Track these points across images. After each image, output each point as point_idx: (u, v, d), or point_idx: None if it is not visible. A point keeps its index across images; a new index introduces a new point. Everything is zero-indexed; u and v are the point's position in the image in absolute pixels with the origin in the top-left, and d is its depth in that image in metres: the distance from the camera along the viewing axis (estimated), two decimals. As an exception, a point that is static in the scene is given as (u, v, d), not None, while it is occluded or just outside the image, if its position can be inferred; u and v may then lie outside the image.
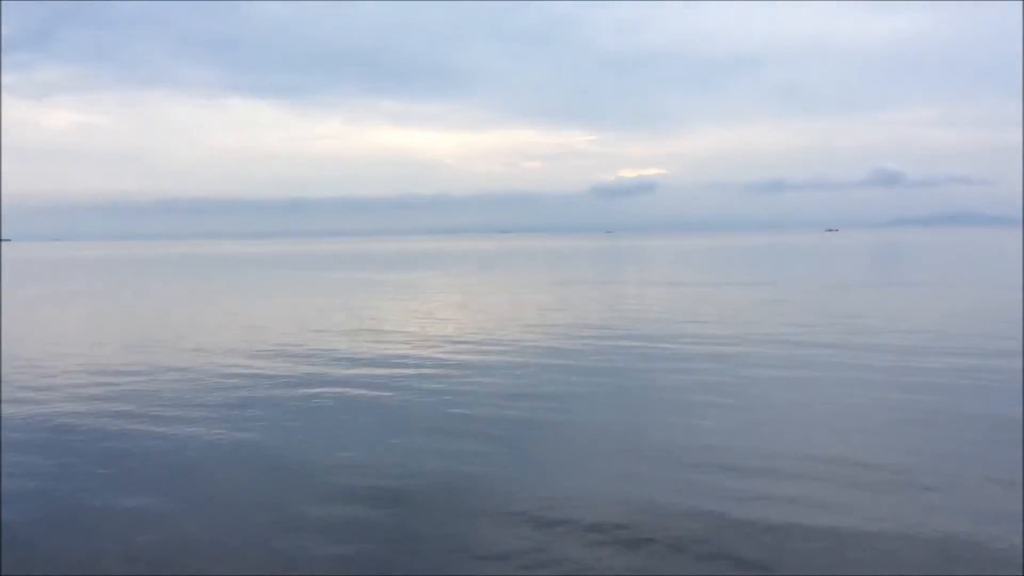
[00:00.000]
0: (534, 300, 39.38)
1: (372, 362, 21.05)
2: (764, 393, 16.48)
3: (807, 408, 15.17)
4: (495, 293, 44.94)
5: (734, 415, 14.38)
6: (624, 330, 26.63)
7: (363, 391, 17.21)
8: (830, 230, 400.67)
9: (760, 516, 9.46)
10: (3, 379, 19.19)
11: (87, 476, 11.61)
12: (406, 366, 20.34)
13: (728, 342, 23.25)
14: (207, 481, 11.42)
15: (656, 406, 15.52)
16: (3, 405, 16.23)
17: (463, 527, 9.46)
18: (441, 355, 21.93)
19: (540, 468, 11.57)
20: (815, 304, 34.54)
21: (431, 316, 32.51)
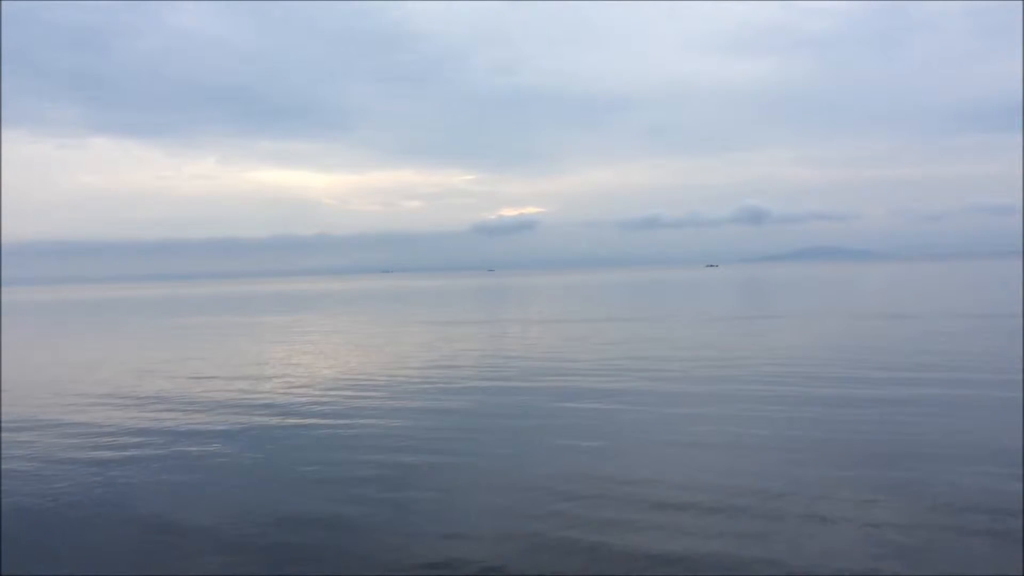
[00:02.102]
0: (409, 341, 37.48)
1: (221, 409, 19.64)
2: (635, 427, 16.45)
3: (673, 440, 15.15)
4: (365, 335, 42.57)
5: (604, 450, 14.40)
6: (498, 369, 25.78)
7: (213, 445, 15.80)
8: (711, 265, 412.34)
9: (638, 546, 9.64)
10: None
11: None
12: (248, 413, 18.59)
13: (600, 377, 23.35)
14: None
15: (529, 444, 15.17)
16: None
17: None
18: (301, 399, 21.06)
19: (415, 513, 11.21)
20: (691, 338, 33.48)
21: (287, 361, 30.22)
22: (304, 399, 20.91)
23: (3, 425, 18.46)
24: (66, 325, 62.13)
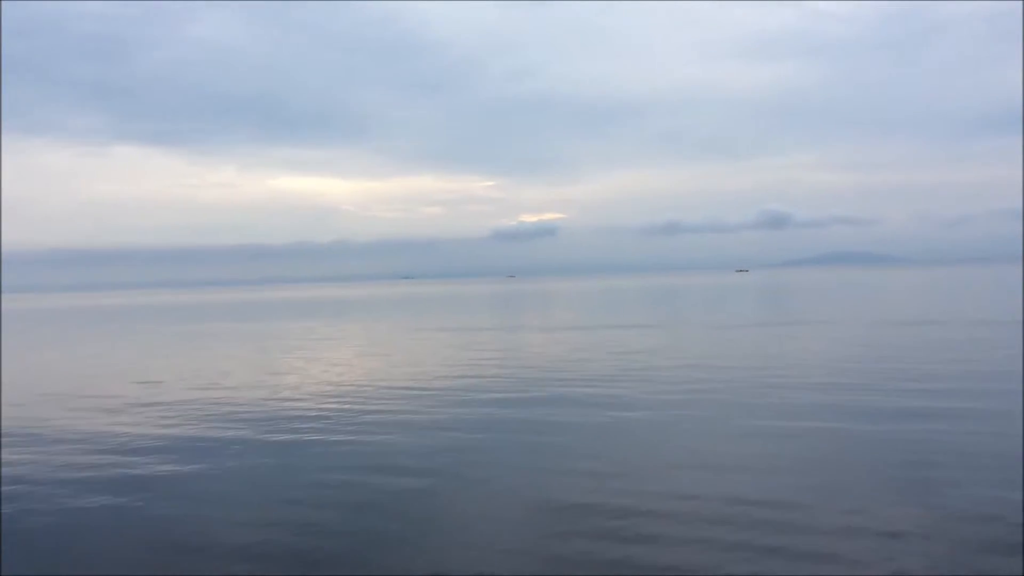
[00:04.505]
0: (427, 348, 37.03)
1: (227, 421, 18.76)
2: (660, 439, 15.02)
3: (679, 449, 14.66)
4: (385, 343, 42.31)
5: (621, 464, 13.93)
6: (514, 378, 24.96)
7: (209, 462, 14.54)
8: (740, 270, 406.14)
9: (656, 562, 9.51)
10: None
11: None
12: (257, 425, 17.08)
13: (614, 387, 22.45)
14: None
15: (544, 456, 14.83)
16: None
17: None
18: (314, 408, 20.33)
19: (428, 526, 11.05)
20: (727, 345, 32.80)
21: (307, 370, 29.67)
22: (323, 409, 20.73)
23: (21, 431, 18.39)
24: (84, 331, 62.47)
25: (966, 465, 12.85)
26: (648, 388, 22.08)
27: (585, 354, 31.51)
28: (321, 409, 20.44)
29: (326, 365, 31.06)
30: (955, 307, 54.69)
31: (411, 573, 9.30)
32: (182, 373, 29.67)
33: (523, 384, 23.79)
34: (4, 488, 13.50)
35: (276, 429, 17.96)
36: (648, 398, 20.45)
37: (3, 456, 15.99)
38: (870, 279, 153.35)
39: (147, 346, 44.90)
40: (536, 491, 12.25)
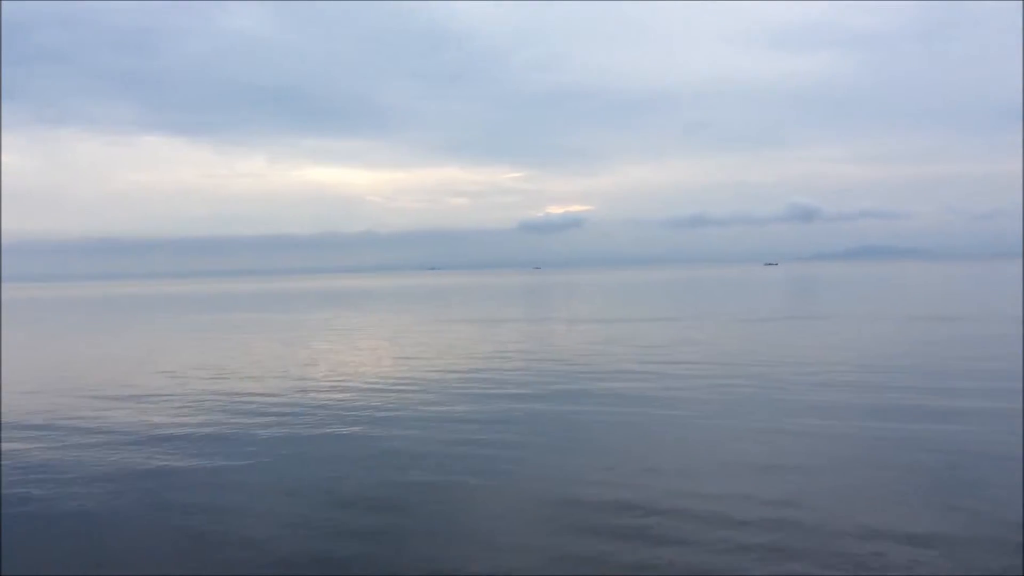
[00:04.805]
0: (454, 340, 36.98)
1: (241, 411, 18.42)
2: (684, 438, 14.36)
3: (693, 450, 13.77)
4: (414, 333, 42.30)
5: (645, 462, 13.20)
6: (537, 371, 24.53)
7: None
8: (770, 264, 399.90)
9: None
10: None
11: None
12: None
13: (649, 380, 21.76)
14: None
15: (569, 452, 14.60)
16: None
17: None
18: (347, 400, 19.61)
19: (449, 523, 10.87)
20: (763, 340, 32.43)
21: (336, 360, 29.64)
22: (346, 400, 20.76)
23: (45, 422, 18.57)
24: (110, 320, 63.12)
25: (996, 468, 12.59)
26: (672, 384, 21.88)
27: (610, 347, 31.32)
28: (345, 401, 20.46)
29: (351, 356, 31.11)
30: (987, 302, 53.82)
31: (433, 571, 9.23)
32: (207, 363, 29.85)
33: (547, 378, 23.68)
34: (29, 477, 13.60)
35: (298, 421, 17.99)
36: (672, 395, 20.25)
37: (24, 446, 16.13)
38: (901, 273, 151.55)
39: (173, 335, 45.29)
40: (556, 489, 12.14)
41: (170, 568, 9.57)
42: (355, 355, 31.41)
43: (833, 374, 22.80)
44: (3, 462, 14.61)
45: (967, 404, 17.76)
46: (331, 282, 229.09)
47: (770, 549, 9.44)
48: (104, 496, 12.35)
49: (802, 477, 12.37)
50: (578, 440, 15.44)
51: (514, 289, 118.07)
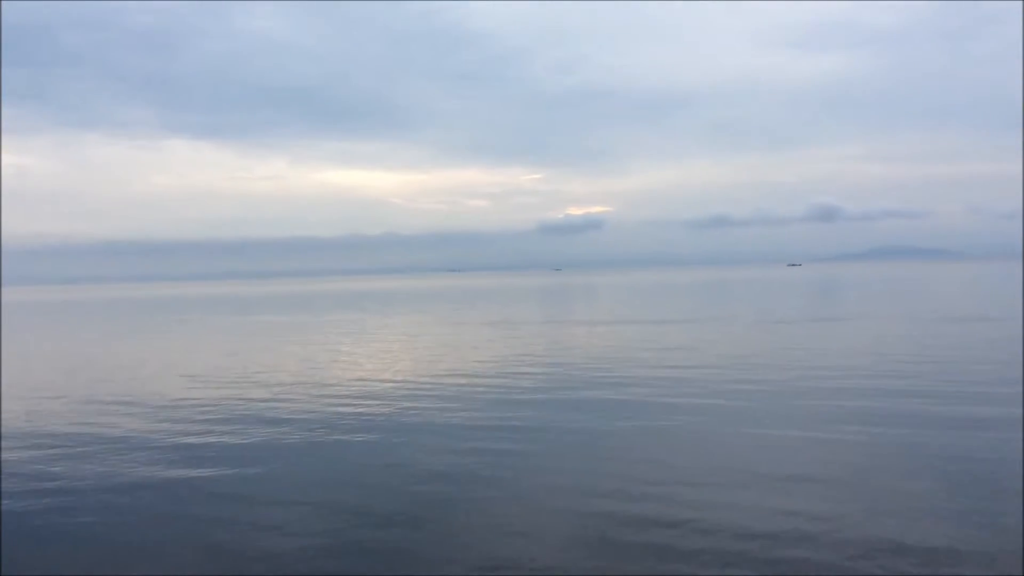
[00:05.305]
0: (474, 342, 36.79)
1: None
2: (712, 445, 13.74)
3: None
4: (437, 335, 42.12)
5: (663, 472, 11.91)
6: (558, 376, 24.23)
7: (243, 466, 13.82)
8: (793, 264, 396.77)
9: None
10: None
11: None
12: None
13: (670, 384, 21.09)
14: None
15: (587, 460, 14.19)
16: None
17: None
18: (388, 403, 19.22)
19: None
20: (796, 342, 31.79)
21: (363, 362, 29.61)
22: (367, 406, 20.66)
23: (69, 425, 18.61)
24: (132, 322, 63.43)
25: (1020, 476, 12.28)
26: (692, 389, 21.62)
27: (630, 352, 31.06)
28: (365, 406, 20.37)
29: (373, 359, 31.07)
30: (1014, 303, 53.00)
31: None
32: (228, 366, 29.90)
33: (568, 383, 23.49)
34: (47, 485, 13.58)
35: (319, 426, 17.90)
36: (695, 402, 19.97)
37: (42, 452, 16.15)
38: (926, 273, 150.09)
39: (196, 338, 45.47)
40: (571, 499, 11.96)
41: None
42: (378, 359, 31.34)
43: (856, 379, 22.45)
44: (14, 469, 14.63)
45: (1001, 412, 17.39)
46: (353, 284, 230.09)
47: (787, 563, 9.22)
48: (120, 501, 12.32)
49: (821, 487, 12.10)
50: (594, 448, 15.21)
51: (536, 291, 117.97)
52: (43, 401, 22.76)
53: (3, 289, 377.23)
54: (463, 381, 24.28)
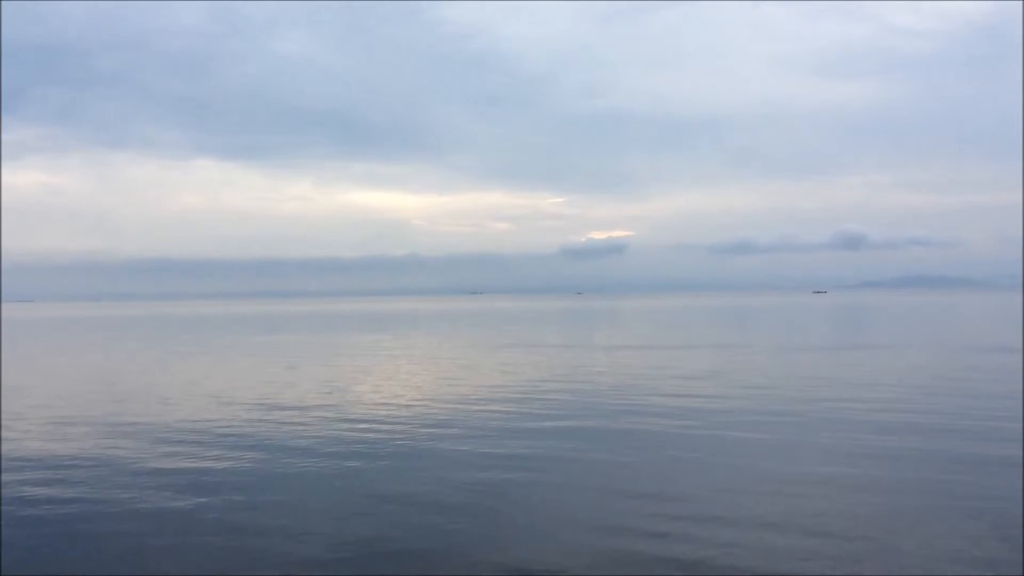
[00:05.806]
0: (497, 365, 36.68)
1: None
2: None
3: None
4: (460, 358, 42.09)
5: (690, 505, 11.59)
6: (575, 403, 24.26)
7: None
8: (818, 292, 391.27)
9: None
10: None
11: None
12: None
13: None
14: None
15: (587, 491, 13.96)
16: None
17: None
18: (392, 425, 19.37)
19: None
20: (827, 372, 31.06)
21: (391, 382, 29.50)
22: (389, 424, 20.70)
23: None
24: (161, 339, 63.94)
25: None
26: (714, 420, 21.44)
27: (653, 380, 30.96)
28: (382, 431, 20.35)
29: (395, 379, 31.15)
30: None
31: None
32: (256, 383, 30.06)
33: (589, 411, 23.44)
34: (79, 491, 13.71)
35: (334, 452, 17.91)
36: (713, 433, 19.79)
37: (74, 461, 16.31)
38: (954, 303, 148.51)
39: (224, 356, 45.78)
40: (589, 535, 11.91)
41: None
42: (399, 380, 31.43)
43: (882, 412, 22.23)
44: (21, 475, 14.78)
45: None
46: (377, 305, 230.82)
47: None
48: (150, 507, 12.40)
49: (847, 538, 11.96)
50: (620, 480, 15.12)
51: (557, 314, 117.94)
52: (61, 421, 23.01)
53: (32, 305, 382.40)
54: (485, 407, 24.24)
